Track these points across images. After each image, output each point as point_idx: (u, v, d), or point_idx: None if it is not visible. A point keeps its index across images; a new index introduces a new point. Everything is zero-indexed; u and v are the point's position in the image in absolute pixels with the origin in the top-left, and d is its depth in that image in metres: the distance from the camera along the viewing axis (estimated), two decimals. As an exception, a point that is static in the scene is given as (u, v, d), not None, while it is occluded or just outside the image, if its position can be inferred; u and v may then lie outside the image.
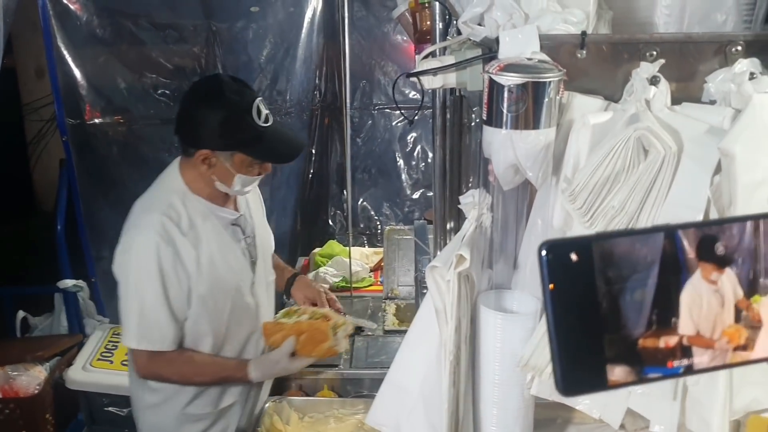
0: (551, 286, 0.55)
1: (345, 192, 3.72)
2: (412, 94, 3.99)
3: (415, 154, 4.08)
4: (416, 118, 3.97)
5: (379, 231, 4.01)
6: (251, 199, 2.37)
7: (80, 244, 3.80)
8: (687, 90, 1.10)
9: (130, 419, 3.33)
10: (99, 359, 3.36)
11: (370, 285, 3.25)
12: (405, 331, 2.71)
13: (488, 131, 1.05)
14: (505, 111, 1.02)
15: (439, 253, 1.93)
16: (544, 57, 1.06)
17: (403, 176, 4.09)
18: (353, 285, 3.21)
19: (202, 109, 2.04)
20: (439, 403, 1.21)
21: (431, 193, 3.99)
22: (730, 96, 1.04)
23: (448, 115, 1.80)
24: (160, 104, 3.77)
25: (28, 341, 3.56)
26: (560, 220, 1.08)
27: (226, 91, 2.03)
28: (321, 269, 3.27)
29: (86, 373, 3.27)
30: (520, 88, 1.00)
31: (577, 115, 1.08)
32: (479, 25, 1.20)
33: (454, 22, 1.73)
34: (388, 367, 2.47)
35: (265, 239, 2.41)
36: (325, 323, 2.19)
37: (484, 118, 1.05)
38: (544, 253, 0.56)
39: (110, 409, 3.31)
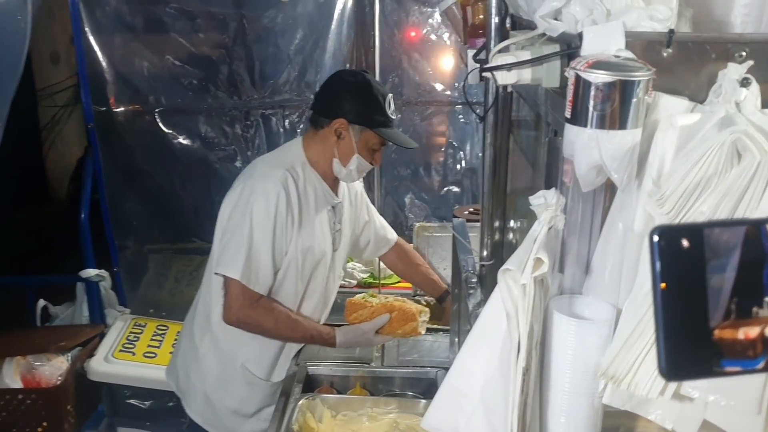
0: (662, 268, 0.57)
1: (374, 186, 3.68)
2: (440, 88, 3.96)
3: (443, 150, 4.04)
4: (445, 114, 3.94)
5: (405, 227, 3.97)
6: (352, 199, 2.64)
7: (100, 234, 3.78)
8: (774, 93, 1.06)
9: (151, 411, 3.33)
10: (121, 350, 3.35)
11: (398, 282, 3.22)
12: (435, 330, 2.75)
13: (572, 130, 1.01)
14: (591, 109, 0.98)
15: (485, 253, 1.90)
16: (631, 55, 1.02)
17: (432, 173, 4.05)
18: (381, 281, 3.18)
19: (347, 87, 2.38)
20: (502, 409, 1.17)
21: (457, 189, 4.00)
22: (821, 100, 1.00)
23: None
24: (187, 93, 3.74)
25: (50, 331, 3.55)
26: (642, 224, 1.04)
27: (369, 79, 2.40)
28: (349, 264, 3.24)
29: (108, 364, 3.26)
30: (609, 86, 0.96)
31: (663, 116, 1.04)
32: (556, 19, 1.16)
33: (510, 15, 1.70)
34: (420, 366, 2.50)
35: (349, 238, 2.63)
36: (413, 306, 2.44)
37: (568, 116, 1.01)
38: (656, 238, 0.57)
39: (132, 401, 3.31)
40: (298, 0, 3.70)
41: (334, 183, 2.49)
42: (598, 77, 0.96)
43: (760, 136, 0.95)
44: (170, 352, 3.38)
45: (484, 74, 1.20)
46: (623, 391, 1.05)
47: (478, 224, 2.71)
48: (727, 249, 0.57)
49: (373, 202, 4.00)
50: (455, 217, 3.53)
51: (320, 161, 2.41)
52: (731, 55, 1.04)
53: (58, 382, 3.08)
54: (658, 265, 0.56)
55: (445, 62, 3.92)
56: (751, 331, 0.57)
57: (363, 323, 2.42)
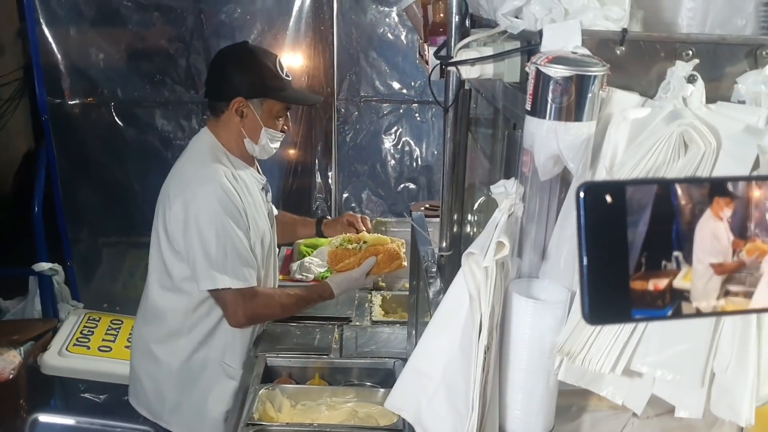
0: (586, 220, 0.60)
1: (330, 182, 3.72)
2: (397, 87, 4.02)
3: (400, 147, 4.10)
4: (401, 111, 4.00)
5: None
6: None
7: (52, 227, 3.74)
8: (717, 90, 1.14)
9: (106, 405, 3.31)
10: (75, 344, 3.32)
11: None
12: (391, 322, 2.81)
13: (532, 122, 1.07)
14: (550, 102, 1.05)
15: (445, 244, 1.97)
16: (587, 51, 1.09)
17: (388, 169, 4.11)
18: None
19: (233, 64, 2.34)
20: (463, 388, 1.23)
21: (413, 186, 4.07)
22: (761, 97, 1.08)
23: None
24: (144, 86, 3.72)
25: (2, 325, 3.49)
26: (595, 211, 1.10)
27: (252, 47, 2.39)
28: (306, 259, 3.27)
29: (62, 358, 3.23)
30: (566, 80, 1.03)
31: (616, 110, 1.10)
32: (516, 18, 1.22)
33: (470, 14, 1.76)
34: (377, 357, 2.55)
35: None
36: (396, 244, 2.57)
37: (528, 108, 1.07)
38: (582, 194, 0.61)
39: (86, 395, 3.27)
40: (257, -5, 3.73)
41: (253, 162, 2.48)
42: (557, 72, 1.02)
43: (705, 129, 1.03)
44: (129, 346, 3.36)
45: (448, 68, 1.25)
46: (577, 369, 1.12)
47: (435, 220, 2.80)
48: (643, 205, 0.62)
49: (329, 198, 4.08)
50: (412, 213, 3.60)
51: (233, 145, 2.39)
52: (679, 54, 1.12)
53: (11, 377, 3.04)
54: (583, 218, 0.60)
55: (402, 61, 3.98)
56: (660, 283, 0.62)
57: (353, 270, 2.51)
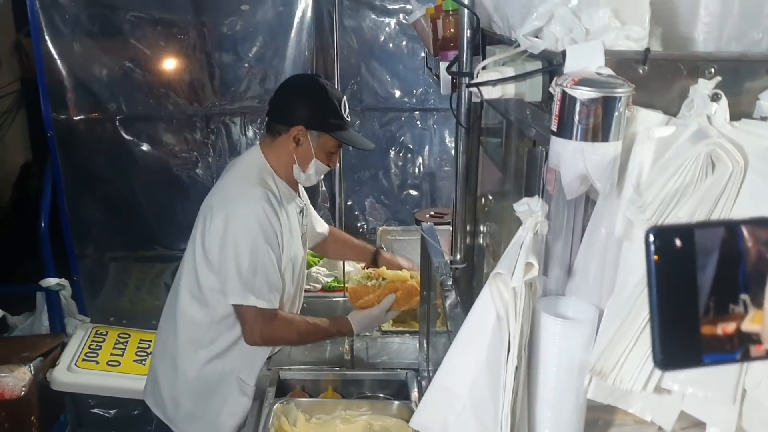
0: (656, 265, 0.60)
1: (334, 190, 3.73)
2: (399, 95, 4.03)
3: (402, 154, 4.11)
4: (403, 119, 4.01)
5: (364, 230, 4.03)
6: (308, 203, 2.68)
7: (58, 242, 3.73)
8: (739, 106, 1.15)
9: (116, 421, 3.31)
10: (84, 359, 3.32)
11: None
12: (401, 332, 2.81)
13: (558, 142, 1.08)
14: (576, 123, 1.05)
15: (459, 256, 1.97)
16: (610, 72, 1.09)
17: (391, 176, 4.12)
18: (346, 285, 3.22)
19: (301, 93, 2.42)
20: (492, 406, 1.23)
21: (416, 193, 4.08)
22: (783, 113, 1.09)
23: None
24: (148, 100, 3.72)
25: (11, 341, 3.49)
26: (622, 229, 1.11)
27: (324, 83, 2.44)
28: (313, 269, 3.28)
29: (72, 374, 3.23)
30: (593, 102, 1.03)
31: (641, 129, 1.11)
32: (537, 38, 1.22)
33: (481, 29, 1.77)
34: (390, 369, 2.56)
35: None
36: (416, 281, 2.56)
37: (554, 129, 1.08)
38: (652, 238, 0.61)
39: (97, 410, 3.27)
40: (258, 8, 3.73)
41: (296, 186, 2.54)
42: (584, 94, 1.03)
43: (732, 148, 1.03)
44: (137, 360, 3.36)
45: (470, 89, 1.26)
46: (607, 386, 1.12)
47: (441, 227, 2.80)
48: (710, 248, 0.62)
49: (333, 206, 4.08)
50: (417, 220, 3.61)
51: (281, 168, 2.44)
52: (701, 72, 1.13)
53: (22, 393, 3.03)
54: (653, 263, 0.60)
55: (403, 70, 3.99)
56: (729, 327, 0.62)
57: (374, 308, 2.52)
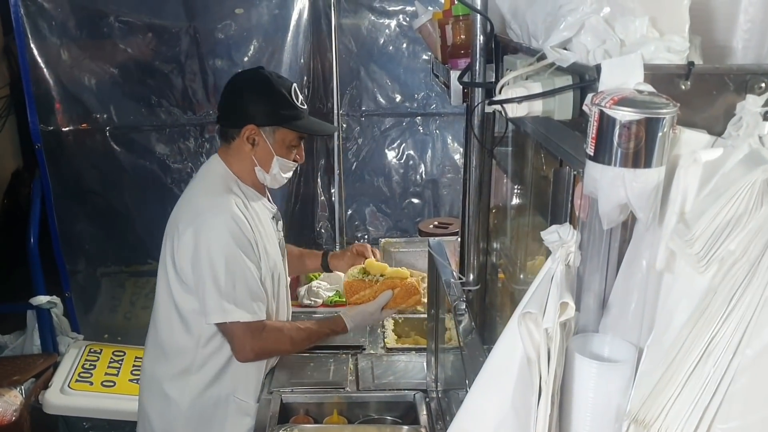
0: None
1: (333, 200, 3.62)
2: (399, 99, 3.92)
3: (403, 161, 4.00)
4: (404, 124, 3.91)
5: (365, 240, 3.92)
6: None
7: (48, 257, 3.61)
8: (790, 124, 1.04)
9: (113, 444, 3.19)
10: (78, 380, 3.21)
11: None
12: (407, 349, 2.70)
13: (595, 168, 0.97)
14: (616, 147, 0.95)
15: (471, 277, 1.86)
16: (651, 89, 0.99)
17: (392, 184, 4.01)
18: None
19: (246, 91, 2.27)
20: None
21: (418, 201, 3.97)
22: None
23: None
24: (139, 110, 3.60)
25: (1, 363, 3.35)
26: (664, 262, 1.00)
27: (267, 74, 2.28)
28: (314, 283, 3.17)
29: (65, 396, 3.11)
30: (635, 124, 0.93)
31: (685, 151, 1.01)
32: (565, 49, 1.12)
33: (494, 35, 1.65)
34: (396, 389, 2.45)
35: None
36: (416, 279, 2.45)
37: (591, 153, 0.97)
38: None
39: (92, 433, 3.15)
40: (252, 11, 3.62)
41: (264, 191, 2.40)
42: (625, 115, 0.92)
43: (792, 174, 0.93)
44: (133, 379, 3.25)
45: (493, 107, 1.15)
46: (651, 436, 1.02)
47: (446, 239, 2.69)
48: None
49: (333, 216, 3.97)
50: (421, 231, 3.50)
51: (245, 173, 2.30)
52: (750, 87, 1.02)
53: (13, 419, 2.91)
54: None
55: (403, 73, 3.88)
56: None
57: (368, 303, 2.43)
